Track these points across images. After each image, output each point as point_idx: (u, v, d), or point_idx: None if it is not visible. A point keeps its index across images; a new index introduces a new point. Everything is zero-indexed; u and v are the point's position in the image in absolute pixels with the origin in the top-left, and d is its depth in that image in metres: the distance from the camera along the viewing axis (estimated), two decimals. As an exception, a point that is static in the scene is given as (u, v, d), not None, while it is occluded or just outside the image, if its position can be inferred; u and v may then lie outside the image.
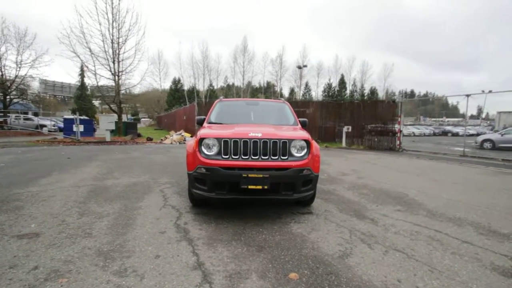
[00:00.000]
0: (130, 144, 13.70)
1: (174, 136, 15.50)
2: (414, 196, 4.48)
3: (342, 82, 52.43)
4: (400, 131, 13.88)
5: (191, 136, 15.90)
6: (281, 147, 3.12)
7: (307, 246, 2.59)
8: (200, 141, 3.20)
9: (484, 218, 3.44)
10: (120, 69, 16.63)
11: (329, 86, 52.53)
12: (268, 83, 53.16)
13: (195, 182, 3.20)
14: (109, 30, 16.09)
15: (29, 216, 3.23)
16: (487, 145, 14.93)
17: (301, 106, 17.06)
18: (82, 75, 34.38)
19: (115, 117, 16.23)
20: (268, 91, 53.39)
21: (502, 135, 14.83)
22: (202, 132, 3.32)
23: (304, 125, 4.35)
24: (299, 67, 34.60)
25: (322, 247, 2.56)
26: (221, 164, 3.06)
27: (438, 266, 2.25)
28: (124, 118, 25.62)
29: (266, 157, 3.09)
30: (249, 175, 2.99)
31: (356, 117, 15.01)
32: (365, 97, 47.99)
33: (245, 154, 3.09)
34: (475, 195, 4.66)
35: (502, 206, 4.04)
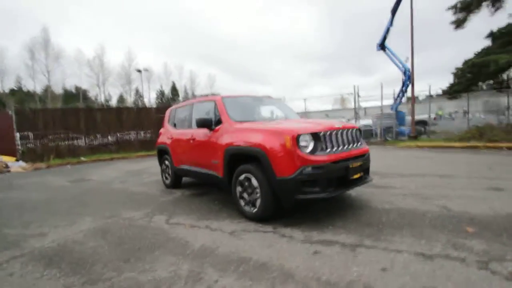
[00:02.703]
0: None
1: (-19, 164, 9.54)
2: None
3: (174, 89, 52.68)
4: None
5: (17, 160, 10.51)
6: (357, 135, 3.30)
7: (414, 212, 2.99)
8: (298, 138, 2.72)
9: (432, 170, 5.24)
10: None
11: (162, 93, 51.22)
12: (77, 87, 43.29)
13: (302, 186, 2.68)
14: None
15: None
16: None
17: (163, 111, 15.83)
18: None
19: None
20: (86, 96, 43.76)
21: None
22: (295, 127, 2.83)
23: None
24: (139, 71, 30.84)
25: (425, 211, 3.02)
26: (330, 159, 2.79)
27: (482, 196, 3.41)
28: None
29: (350, 146, 3.15)
30: (353, 165, 2.95)
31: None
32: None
33: (338, 146, 2.99)
34: (397, 162, 6.72)
35: (414, 164, 6.20)
